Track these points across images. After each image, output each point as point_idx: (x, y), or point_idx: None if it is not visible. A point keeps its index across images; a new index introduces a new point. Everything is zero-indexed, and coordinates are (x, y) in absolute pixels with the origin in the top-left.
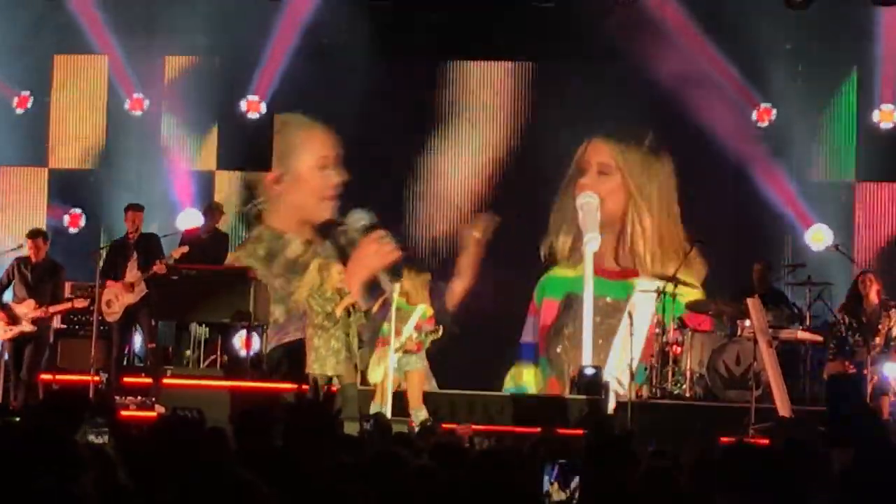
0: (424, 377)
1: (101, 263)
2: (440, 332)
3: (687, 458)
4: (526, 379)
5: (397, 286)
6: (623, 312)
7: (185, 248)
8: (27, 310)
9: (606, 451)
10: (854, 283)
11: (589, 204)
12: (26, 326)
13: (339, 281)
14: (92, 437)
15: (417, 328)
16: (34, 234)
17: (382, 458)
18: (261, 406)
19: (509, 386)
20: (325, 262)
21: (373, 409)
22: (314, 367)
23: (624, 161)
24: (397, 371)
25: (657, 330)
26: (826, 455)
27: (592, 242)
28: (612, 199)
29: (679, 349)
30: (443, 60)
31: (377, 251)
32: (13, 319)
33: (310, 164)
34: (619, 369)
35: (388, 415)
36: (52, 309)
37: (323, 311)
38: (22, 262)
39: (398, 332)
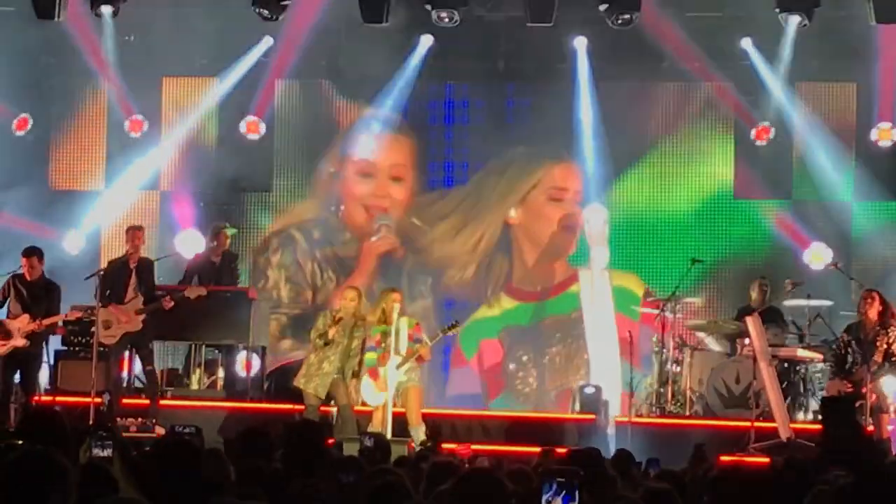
0: (422, 394)
1: (100, 284)
2: (458, 326)
3: (688, 478)
4: None
5: (381, 308)
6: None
7: (203, 292)
8: (21, 324)
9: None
10: (859, 302)
11: (599, 216)
12: (19, 341)
13: (340, 306)
14: (97, 451)
15: (410, 339)
16: (29, 252)
17: (381, 479)
18: (260, 427)
19: None
20: (348, 287)
21: (370, 431)
22: (300, 381)
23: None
24: (399, 386)
25: (656, 349)
26: (825, 474)
27: (601, 258)
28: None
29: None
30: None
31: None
32: (6, 334)
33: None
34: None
35: (389, 436)
36: (45, 322)
37: (317, 330)
38: (17, 279)
39: (396, 350)
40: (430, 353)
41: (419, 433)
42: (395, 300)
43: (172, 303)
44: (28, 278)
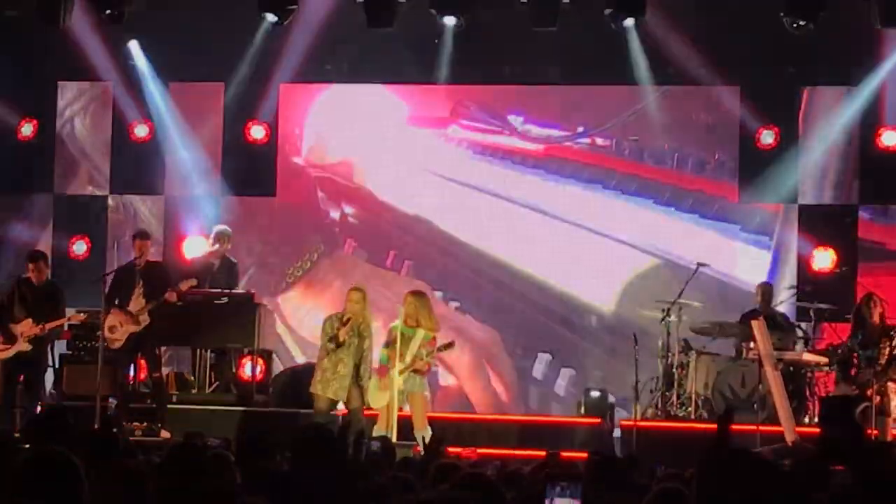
0: (427, 399)
1: (106, 289)
2: (454, 346)
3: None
4: None
5: (401, 309)
6: None
7: (194, 282)
8: (24, 328)
9: (608, 476)
10: (858, 306)
11: None
12: (23, 346)
13: (346, 308)
14: None
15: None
16: (35, 257)
17: (387, 482)
18: (265, 431)
19: None
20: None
21: (376, 434)
22: (317, 388)
23: None
24: (400, 394)
25: (662, 352)
26: (826, 474)
27: None
28: None
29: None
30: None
31: None
32: (10, 339)
33: None
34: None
35: (394, 439)
36: (48, 325)
37: (326, 334)
38: (23, 283)
39: (401, 356)
40: (427, 367)
41: (425, 436)
42: (405, 303)
43: (175, 295)
44: (34, 282)
